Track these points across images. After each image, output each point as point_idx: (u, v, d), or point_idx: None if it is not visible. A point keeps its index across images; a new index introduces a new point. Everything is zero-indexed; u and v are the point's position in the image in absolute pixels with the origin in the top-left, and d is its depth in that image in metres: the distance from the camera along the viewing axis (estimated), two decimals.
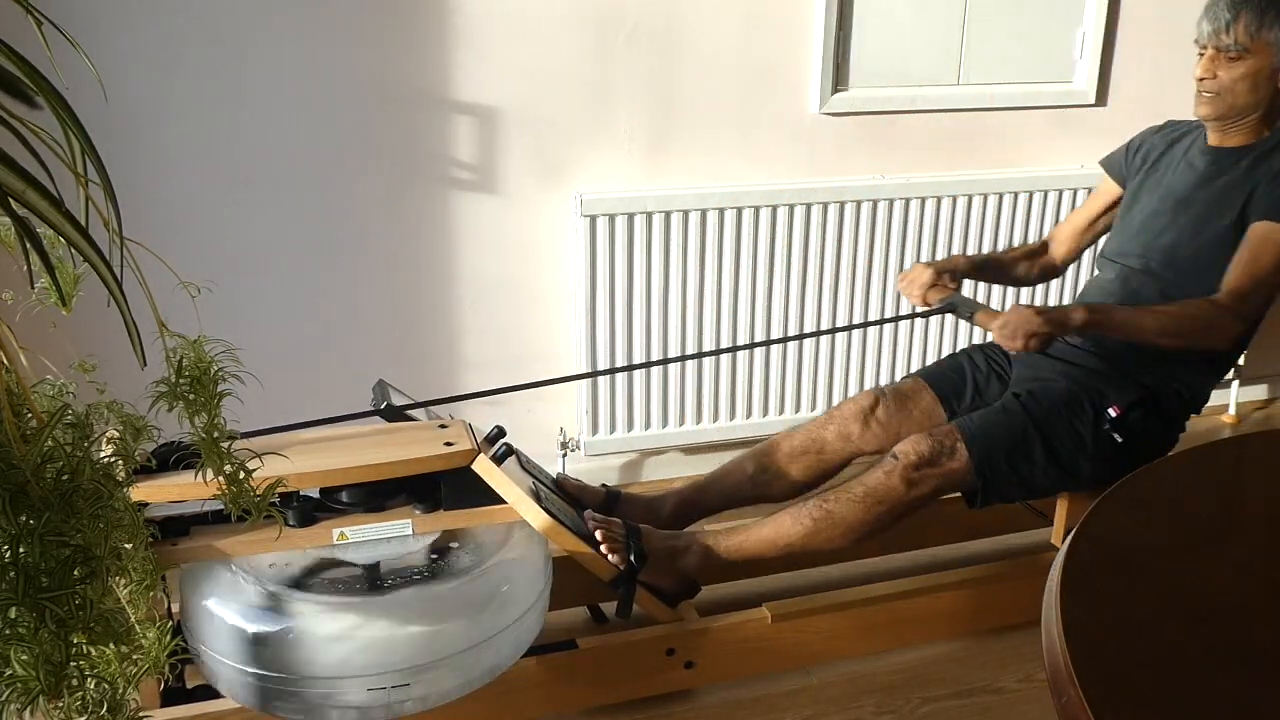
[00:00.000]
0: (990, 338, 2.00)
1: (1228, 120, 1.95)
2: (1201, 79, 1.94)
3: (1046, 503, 2.10)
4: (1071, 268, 2.41)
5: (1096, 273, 2.17)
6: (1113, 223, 2.19)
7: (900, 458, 1.85)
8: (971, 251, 2.68)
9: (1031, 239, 2.73)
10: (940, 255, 2.67)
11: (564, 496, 1.94)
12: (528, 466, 1.87)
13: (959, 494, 1.95)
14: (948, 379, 2.14)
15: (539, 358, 2.50)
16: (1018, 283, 2.28)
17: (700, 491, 2.08)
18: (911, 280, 2.04)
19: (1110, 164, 2.20)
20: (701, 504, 2.08)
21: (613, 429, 2.57)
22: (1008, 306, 1.97)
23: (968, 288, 2.43)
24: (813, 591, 1.99)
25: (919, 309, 2.06)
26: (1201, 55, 1.94)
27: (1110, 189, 2.19)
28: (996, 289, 2.63)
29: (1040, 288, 2.67)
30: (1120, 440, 1.90)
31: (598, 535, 1.79)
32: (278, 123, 2.24)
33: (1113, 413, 1.90)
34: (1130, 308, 1.88)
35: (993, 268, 2.22)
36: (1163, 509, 1.28)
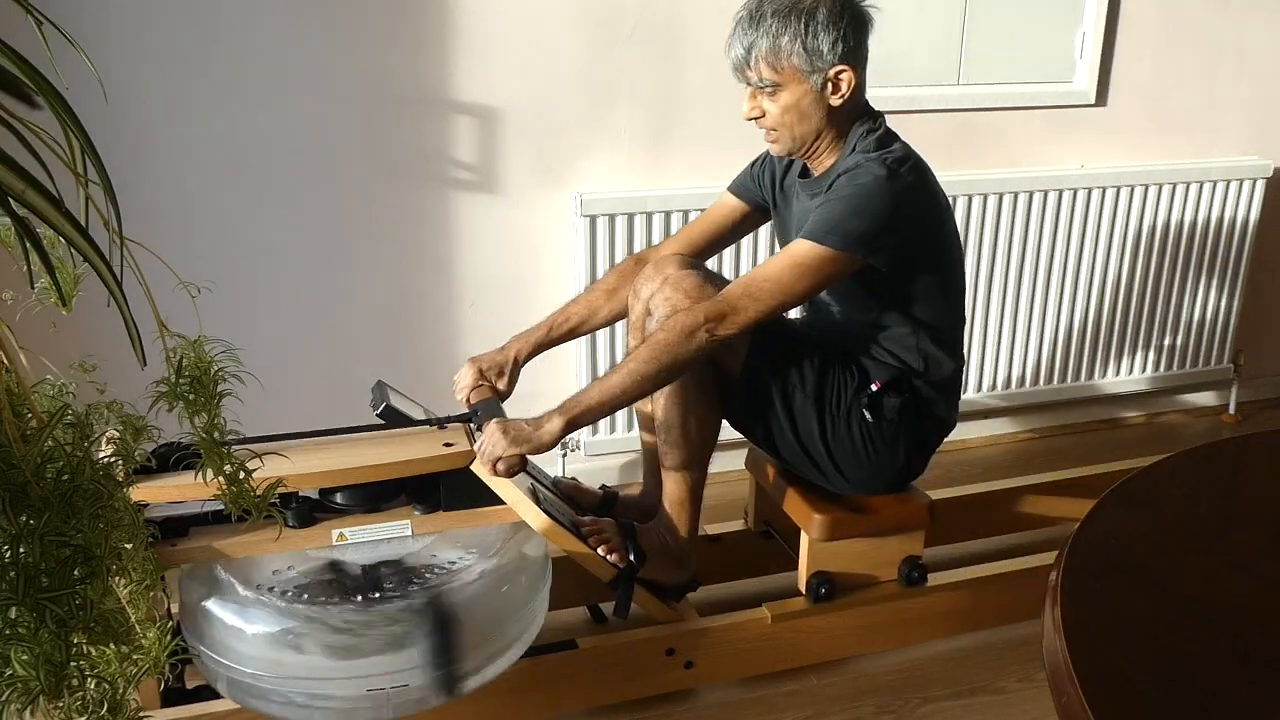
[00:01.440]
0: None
1: (802, 152, 1.81)
2: (750, 119, 1.79)
3: (793, 539, 2.00)
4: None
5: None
6: (729, 240, 2.06)
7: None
8: (973, 253, 2.68)
9: (1030, 238, 2.73)
10: None
11: (562, 497, 1.94)
12: (527, 467, 1.87)
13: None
14: None
15: (538, 358, 2.49)
16: (604, 325, 2.06)
17: (657, 472, 2.05)
18: (458, 380, 1.92)
19: (739, 188, 2.02)
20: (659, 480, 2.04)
21: (613, 429, 2.57)
22: None
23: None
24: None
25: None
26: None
27: (730, 205, 2.02)
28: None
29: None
30: (869, 420, 1.81)
31: (591, 540, 1.78)
32: (278, 123, 2.24)
33: (874, 386, 1.81)
34: (601, 380, 1.74)
35: (562, 333, 2.00)
36: (1163, 509, 1.28)
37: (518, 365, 1.96)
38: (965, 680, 1.96)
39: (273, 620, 1.53)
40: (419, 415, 1.80)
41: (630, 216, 2.41)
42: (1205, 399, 3.17)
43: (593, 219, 2.39)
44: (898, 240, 1.74)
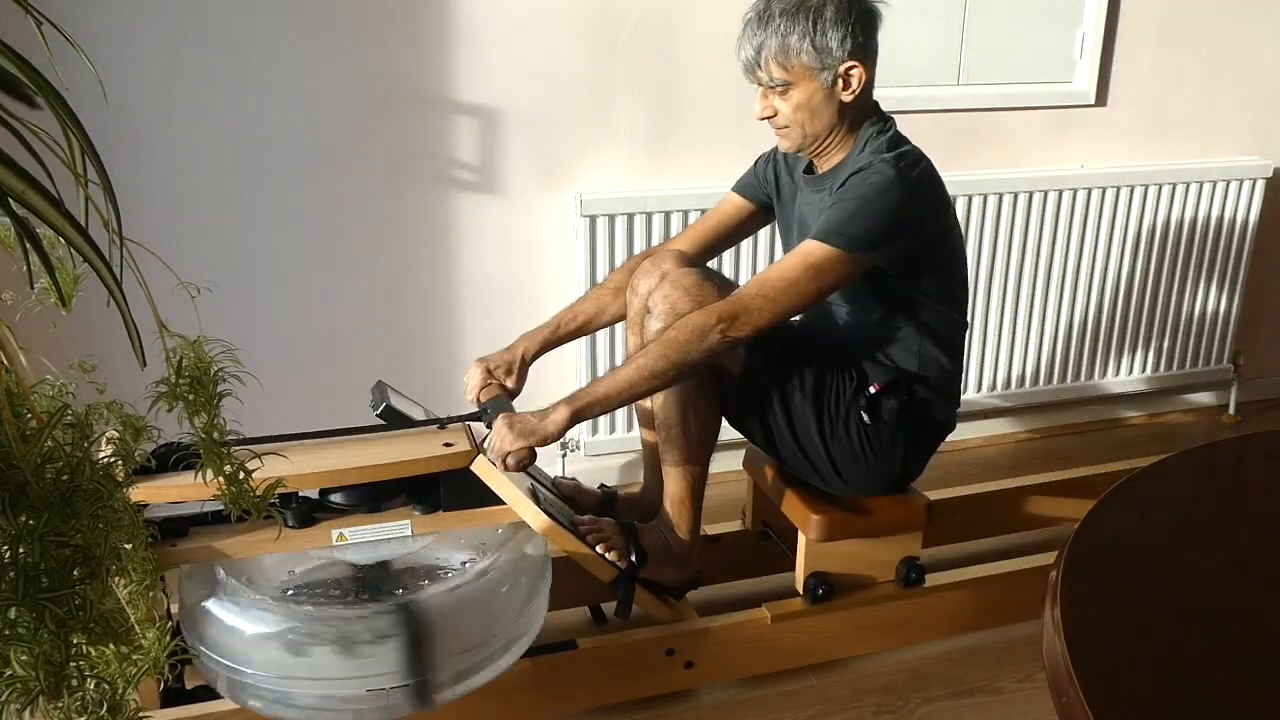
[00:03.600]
0: None
1: (812, 149, 1.81)
2: (762, 118, 1.79)
3: (789, 539, 2.00)
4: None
5: None
6: (734, 240, 2.08)
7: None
8: (973, 252, 2.68)
9: (1030, 239, 2.73)
10: None
11: (562, 497, 1.94)
12: (535, 460, 1.87)
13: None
14: None
15: (538, 358, 2.49)
16: (612, 323, 2.05)
17: (658, 472, 2.06)
18: (467, 379, 1.93)
19: (742, 188, 2.03)
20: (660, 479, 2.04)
21: (613, 429, 2.57)
22: None
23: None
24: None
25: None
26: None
27: (735, 205, 2.03)
28: None
29: None
30: (867, 422, 1.81)
31: (589, 539, 1.78)
32: (278, 123, 2.24)
33: (872, 389, 1.81)
34: (613, 371, 1.75)
35: (570, 330, 2.00)
36: (1163, 509, 1.28)
37: (525, 364, 1.96)
38: (965, 680, 1.96)
39: (273, 620, 1.53)
40: (419, 415, 1.80)
41: (630, 216, 2.41)
42: (1205, 399, 3.17)
43: (593, 219, 2.39)
44: (908, 242, 1.74)
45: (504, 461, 1.68)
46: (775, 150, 1.98)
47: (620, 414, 2.54)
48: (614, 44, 2.38)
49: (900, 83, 2.57)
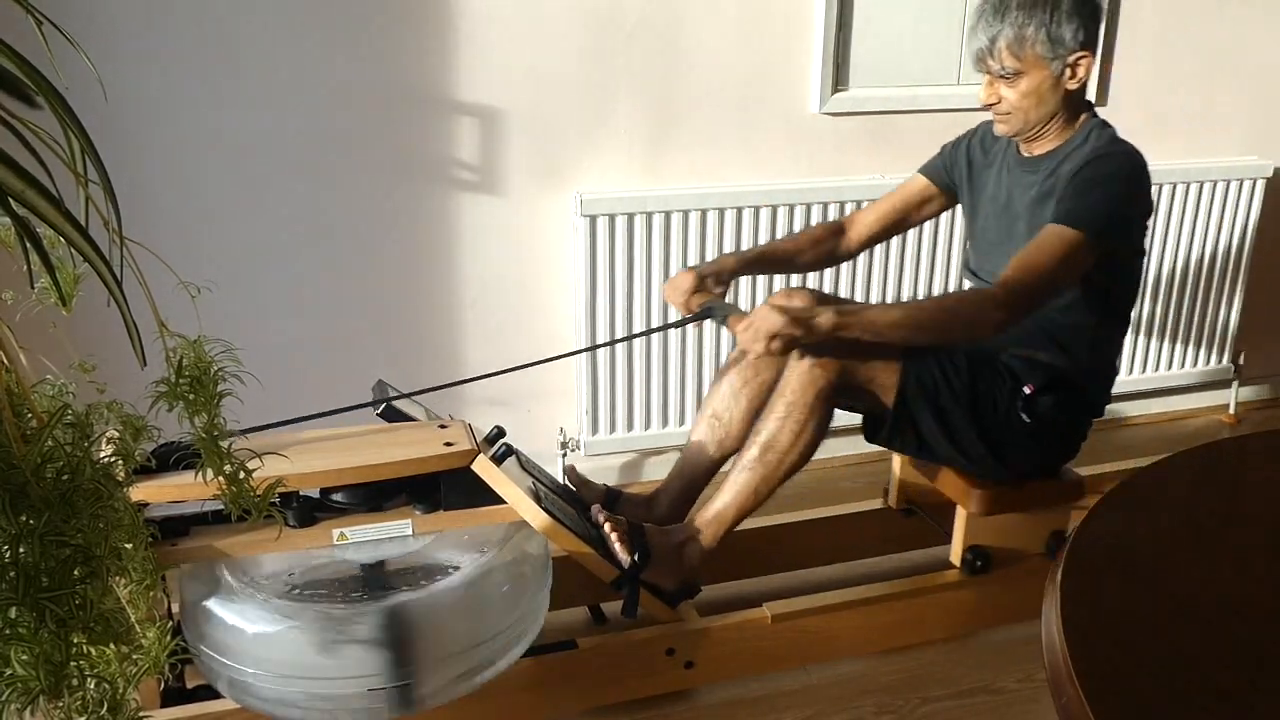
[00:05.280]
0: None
1: (1030, 134, 1.87)
2: (987, 105, 1.86)
3: (945, 514, 2.08)
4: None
5: (963, 285, 2.14)
6: (913, 221, 2.14)
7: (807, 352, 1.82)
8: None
9: None
10: (940, 254, 2.67)
11: (564, 495, 1.94)
12: (527, 466, 1.87)
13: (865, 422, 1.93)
14: None
15: (539, 357, 2.49)
16: (803, 269, 2.15)
17: (682, 479, 2.06)
18: (674, 287, 1.96)
19: (930, 170, 2.09)
20: (689, 490, 2.05)
21: (613, 429, 2.57)
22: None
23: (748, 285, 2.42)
24: (813, 591, 1.99)
25: (681, 316, 1.96)
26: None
27: (919, 185, 2.09)
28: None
29: None
30: (1027, 422, 1.86)
31: (606, 527, 1.78)
32: (278, 123, 2.24)
33: (1027, 390, 1.86)
34: (884, 305, 1.82)
35: (769, 260, 2.10)
36: (1163, 509, 1.28)
37: (732, 275, 2.00)
38: (965, 680, 1.96)
39: (273, 619, 1.53)
40: (419, 415, 1.80)
41: (630, 216, 2.41)
42: (1205, 399, 3.17)
43: (593, 219, 2.39)
44: (1139, 230, 1.83)
45: (769, 345, 1.69)
46: (968, 135, 2.06)
47: (621, 414, 2.54)
48: (614, 44, 2.38)
49: (900, 83, 2.58)
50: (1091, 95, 2.73)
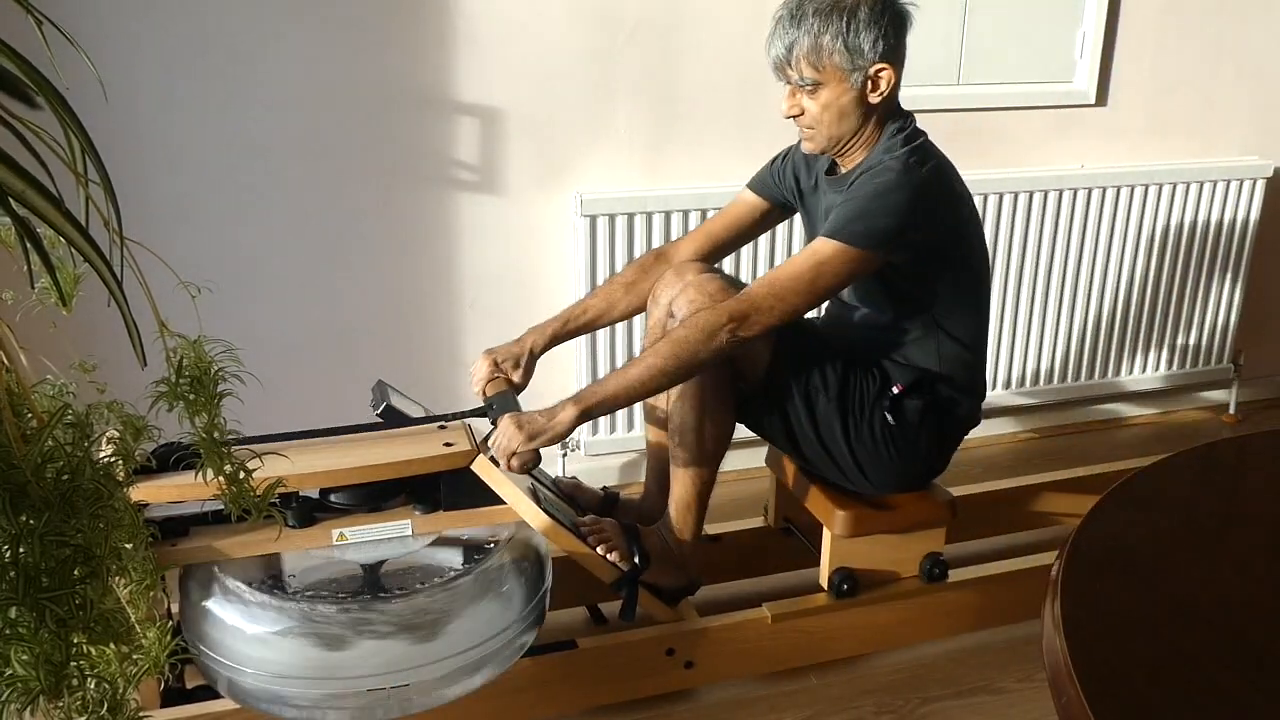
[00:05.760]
0: None
1: (836, 149, 1.81)
2: (789, 117, 1.79)
3: (815, 537, 2.01)
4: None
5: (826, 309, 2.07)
6: (749, 236, 2.07)
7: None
8: None
9: (1031, 238, 2.73)
10: None
11: (562, 497, 1.94)
12: (540, 462, 1.86)
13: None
14: None
15: (545, 352, 2.49)
16: (622, 318, 2.05)
17: (654, 475, 2.05)
18: (474, 373, 1.91)
19: (759, 185, 2.02)
20: (664, 485, 2.02)
21: (613, 429, 2.57)
22: None
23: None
24: (813, 591, 1.99)
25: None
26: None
27: (749, 202, 2.02)
28: None
29: None
30: (891, 423, 1.82)
31: (590, 540, 1.78)
32: (278, 123, 2.24)
33: (895, 389, 1.82)
34: (621, 370, 1.74)
35: (578, 326, 2.00)
36: (1163, 509, 1.28)
37: (534, 357, 1.95)
38: (965, 680, 1.96)
39: (273, 619, 1.53)
40: (419, 415, 1.80)
41: (630, 216, 2.41)
42: (1205, 399, 3.17)
43: (593, 219, 2.39)
44: (917, 238, 1.74)
45: (509, 462, 1.68)
46: (793, 149, 1.97)
47: (621, 414, 2.54)
48: (614, 44, 2.38)
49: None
50: (1091, 96, 2.74)
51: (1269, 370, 3.21)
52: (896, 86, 1.77)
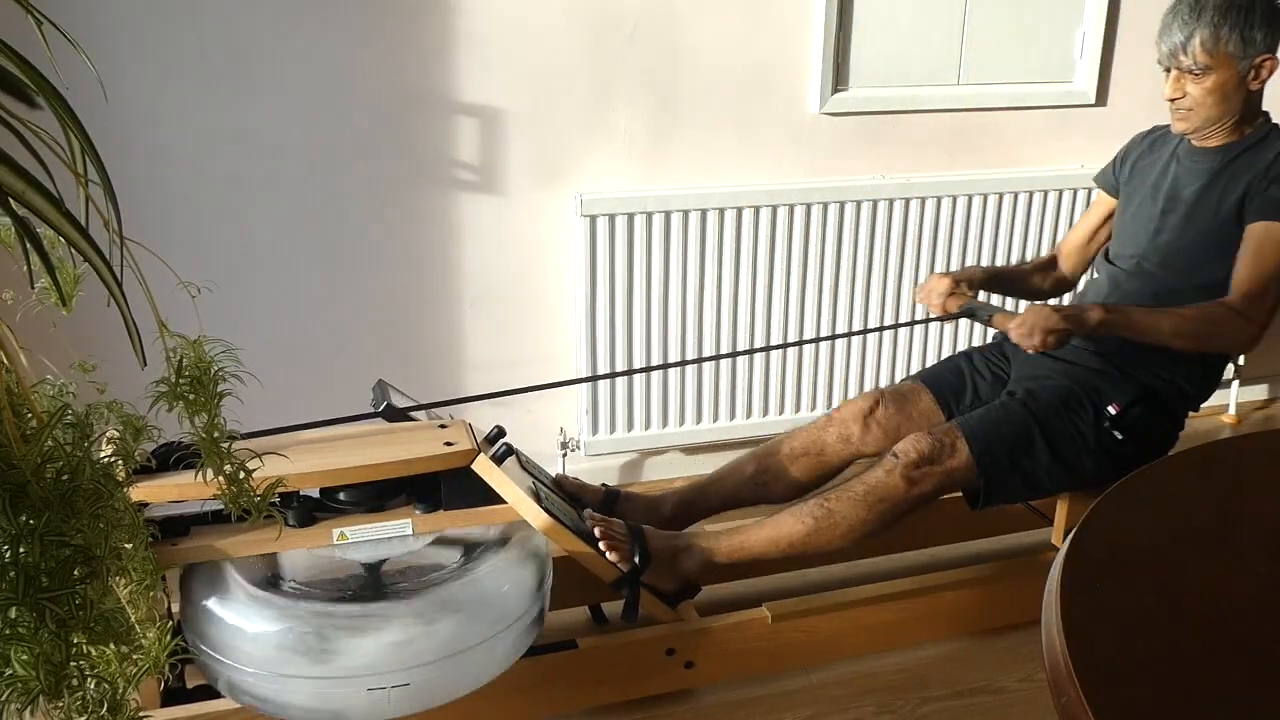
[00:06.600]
0: (991, 335, 1.97)
1: (1207, 130, 1.95)
2: (1172, 99, 1.94)
3: (1047, 502, 2.10)
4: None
5: (1095, 275, 2.17)
6: (1101, 235, 2.24)
7: (901, 456, 1.86)
8: (973, 253, 2.69)
9: (1031, 239, 2.74)
10: (941, 255, 2.67)
11: (564, 496, 1.94)
12: (527, 466, 1.87)
13: (961, 494, 1.95)
14: (947, 380, 2.14)
15: (539, 358, 2.50)
16: (1032, 295, 2.31)
17: (700, 492, 2.09)
18: (930, 289, 2.07)
19: (1102, 179, 2.22)
20: (701, 504, 2.08)
21: (613, 429, 2.57)
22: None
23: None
24: (813, 591, 1.99)
25: (934, 315, 2.10)
26: (1168, 75, 1.93)
27: (1104, 201, 2.21)
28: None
29: None
30: (1121, 438, 1.92)
31: (597, 533, 1.79)
32: (278, 123, 2.23)
33: (1112, 410, 1.92)
34: (1147, 309, 1.89)
35: (1006, 280, 2.27)
36: (1163, 509, 1.28)
37: (980, 284, 2.11)
38: (965, 680, 1.96)
39: (273, 619, 1.53)
40: (419, 415, 1.80)
41: (630, 216, 2.41)
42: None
43: (593, 219, 2.39)
44: None
45: (1044, 340, 1.80)
46: (1139, 135, 2.16)
47: (620, 415, 2.54)
48: (614, 44, 2.38)
49: (900, 83, 2.58)
50: (1091, 96, 2.74)
51: (1269, 370, 3.21)
52: (1272, 75, 1.92)
